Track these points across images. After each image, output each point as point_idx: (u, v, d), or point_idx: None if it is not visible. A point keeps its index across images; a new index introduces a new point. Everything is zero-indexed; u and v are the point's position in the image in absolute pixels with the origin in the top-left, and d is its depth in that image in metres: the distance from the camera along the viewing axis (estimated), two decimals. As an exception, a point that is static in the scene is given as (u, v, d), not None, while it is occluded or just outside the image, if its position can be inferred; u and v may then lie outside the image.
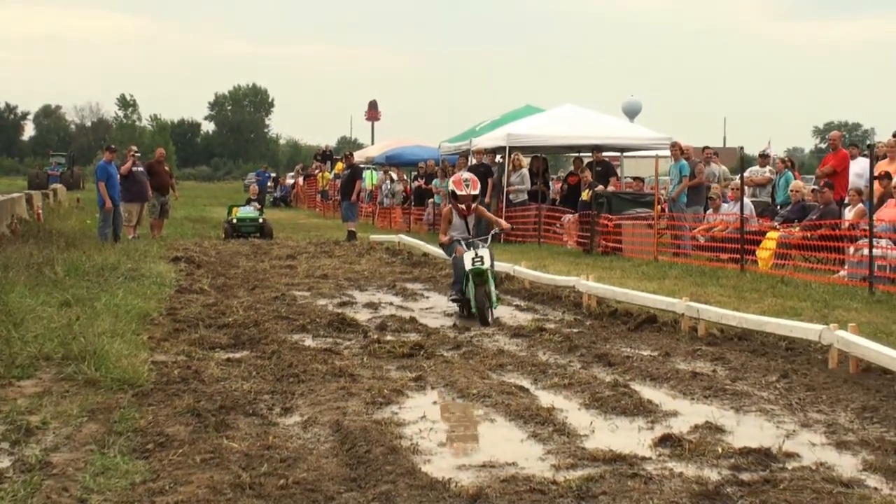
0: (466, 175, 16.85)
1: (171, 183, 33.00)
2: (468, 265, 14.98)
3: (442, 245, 17.01)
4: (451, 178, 17.06)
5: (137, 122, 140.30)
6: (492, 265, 15.46)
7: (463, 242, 15.66)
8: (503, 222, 17.55)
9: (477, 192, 16.55)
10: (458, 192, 16.06)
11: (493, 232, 16.43)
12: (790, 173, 26.83)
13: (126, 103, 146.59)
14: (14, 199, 35.75)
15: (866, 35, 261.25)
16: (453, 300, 15.89)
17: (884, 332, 12.81)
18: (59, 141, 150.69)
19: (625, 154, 36.71)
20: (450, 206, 16.56)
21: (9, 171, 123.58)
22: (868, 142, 24.69)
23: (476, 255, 15.08)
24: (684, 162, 26.27)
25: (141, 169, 30.13)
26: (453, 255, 15.77)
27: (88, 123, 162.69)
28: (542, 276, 18.68)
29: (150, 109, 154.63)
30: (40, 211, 38.64)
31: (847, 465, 7.84)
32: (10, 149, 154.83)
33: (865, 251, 17.78)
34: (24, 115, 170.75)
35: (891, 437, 8.52)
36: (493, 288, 15.09)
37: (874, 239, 17.62)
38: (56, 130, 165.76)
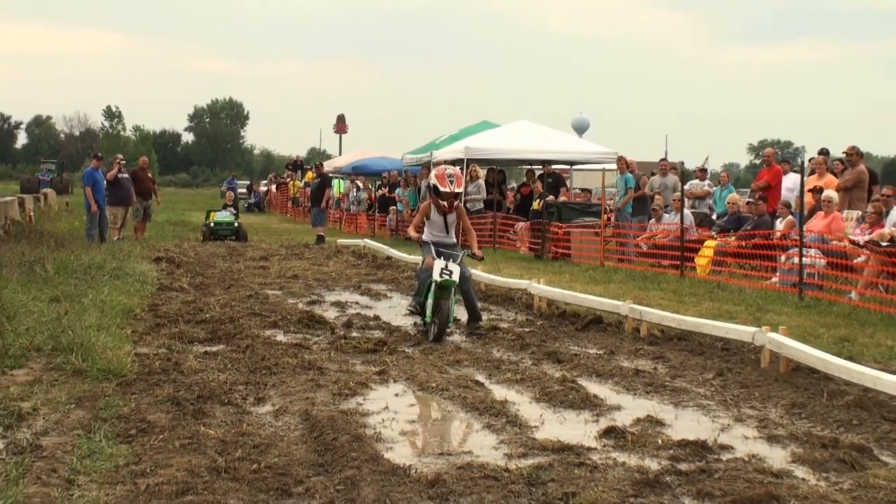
0: (451, 170, 14.68)
1: (154, 189, 32.94)
2: (436, 275, 13.20)
3: (409, 237, 14.95)
4: (434, 172, 14.56)
5: (122, 132, 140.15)
6: (466, 284, 14.08)
7: (433, 250, 13.80)
8: (477, 249, 14.62)
9: (461, 189, 14.82)
10: (442, 189, 13.99)
11: (464, 254, 14.26)
12: (732, 187, 27.02)
13: (112, 114, 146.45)
14: (7, 202, 35.58)
15: (797, 59, 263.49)
16: (409, 311, 14.52)
17: (812, 334, 12.89)
18: (50, 149, 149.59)
19: (574, 167, 36.77)
20: (429, 201, 14.58)
21: (2, 177, 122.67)
22: (799, 158, 24.82)
23: (446, 266, 13.31)
24: (629, 175, 26.40)
25: (126, 175, 30.07)
26: (421, 265, 14.21)
27: (77, 133, 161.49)
28: (496, 278, 18.68)
29: (133, 120, 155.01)
30: (32, 213, 38.41)
31: (777, 457, 7.89)
32: (3, 156, 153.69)
33: (795, 259, 17.89)
34: (17, 125, 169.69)
35: (817, 432, 8.58)
36: (453, 305, 13.48)
37: (804, 248, 17.74)
38: (46, 139, 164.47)
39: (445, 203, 14.11)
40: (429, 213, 14.34)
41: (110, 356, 10.63)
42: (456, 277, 13.30)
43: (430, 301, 13.26)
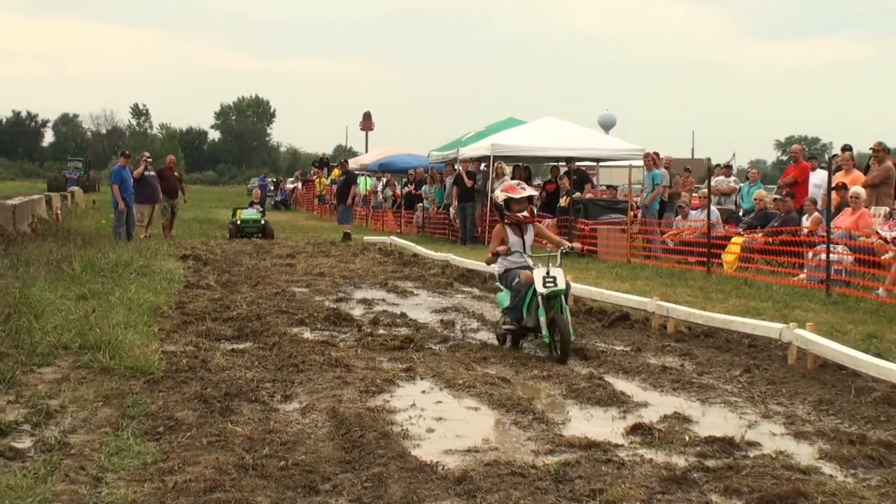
0: (515, 181, 13.83)
1: (182, 187, 33.10)
2: (539, 287, 11.85)
3: (489, 260, 13.31)
4: (500, 188, 13.41)
5: (149, 130, 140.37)
6: (567, 289, 12.36)
7: (528, 260, 12.70)
8: (565, 242, 13.83)
9: (534, 192, 13.63)
10: (516, 196, 12.76)
11: (562, 250, 13.25)
12: (760, 183, 26.93)
13: (139, 112, 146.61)
14: (35, 200, 35.82)
15: (824, 55, 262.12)
16: (506, 330, 12.67)
17: (839, 331, 12.84)
18: (76, 147, 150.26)
19: (600, 164, 36.71)
20: (500, 225, 13.00)
21: (30, 175, 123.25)
22: (827, 155, 24.75)
23: (548, 274, 11.98)
24: (657, 171, 26.33)
25: (152, 173, 30.24)
26: (515, 279, 12.36)
27: (103, 131, 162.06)
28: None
29: (160, 118, 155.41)
30: (59, 211, 38.55)
31: (804, 453, 7.88)
32: (30, 154, 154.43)
33: (823, 256, 17.83)
34: (44, 123, 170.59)
35: (845, 428, 8.55)
36: (569, 317, 12.07)
37: (831, 245, 17.68)
38: (73, 137, 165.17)
39: (525, 213, 12.85)
40: (505, 236, 12.85)
41: (137, 354, 10.68)
42: (562, 283, 11.98)
43: (542, 318, 11.83)
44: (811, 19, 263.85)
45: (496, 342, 12.97)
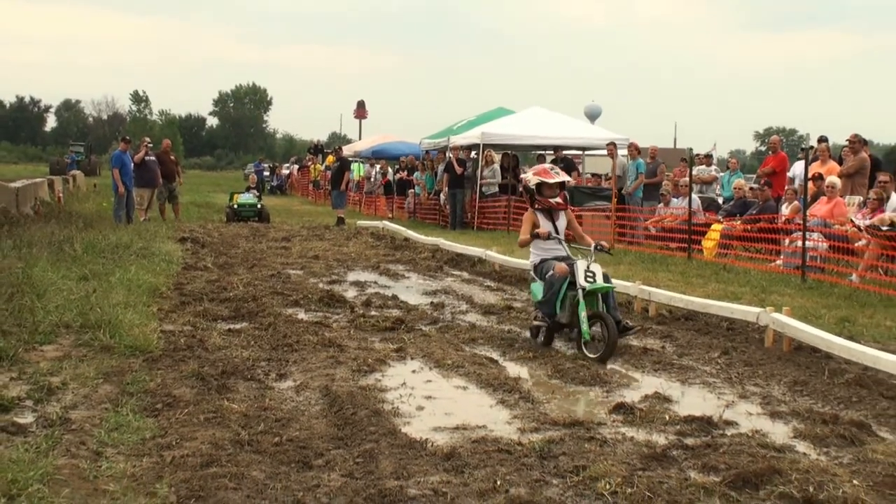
0: (548, 165, 12.73)
1: (178, 170, 33.05)
2: (581, 280, 10.80)
3: (523, 242, 12.05)
4: (531, 171, 12.23)
5: (149, 116, 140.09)
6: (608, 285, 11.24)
7: (567, 250, 11.67)
8: (602, 242, 12.42)
9: (568, 178, 12.48)
10: (549, 181, 11.72)
11: (595, 246, 11.64)
12: (740, 172, 26.98)
13: (139, 99, 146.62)
14: (37, 183, 35.77)
15: (802, 51, 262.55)
16: (538, 324, 11.63)
17: (814, 315, 12.88)
18: (78, 132, 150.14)
19: (585, 153, 36.74)
20: (531, 210, 11.95)
21: (32, 159, 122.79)
22: (803, 146, 24.79)
23: (588, 268, 10.93)
24: (640, 161, 26.36)
25: (152, 158, 30.12)
26: (550, 271, 11.25)
27: (105, 116, 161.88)
28: (510, 260, 18.68)
29: (160, 105, 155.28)
30: (61, 194, 38.54)
31: (780, 432, 7.92)
32: (34, 138, 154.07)
33: (799, 243, 17.88)
34: (47, 108, 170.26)
35: (818, 409, 8.59)
36: (613, 311, 11.08)
37: (807, 232, 17.72)
38: (75, 122, 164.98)
39: (557, 199, 11.81)
40: (536, 221, 11.80)
41: (137, 333, 10.67)
42: (601, 279, 10.97)
43: (581, 314, 10.74)
44: (790, 15, 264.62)
45: (484, 323, 12.98)
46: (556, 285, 11.05)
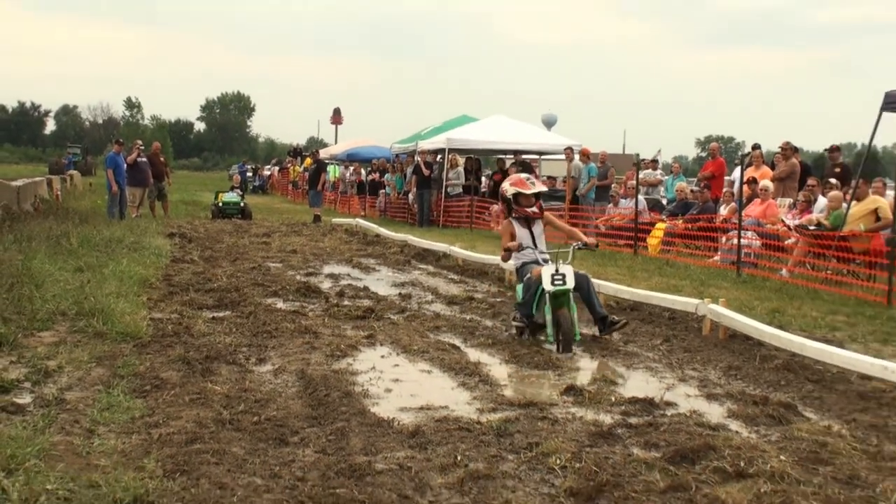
0: (524, 175, 12.24)
1: (166, 171, 32.94)
2: (547, 285, 10.41)
3: (504, 257, 11.80)
4: (509, 182, 11.74)
5: (141, 121, 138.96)
6: (583, 286, 10.98)
7: (542, 260, 11.16)
8: (583, 236, 11.76)
9: (544, 188, 12.16)
10: (525, 192, 11.32)
11: (575, 246, 11.26)
12: (683, 176, 27.10)
13: (132, 105, 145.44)
14: (37, 182, 35.58)
15: (739, 65, 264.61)
16: (516, 326, 11.20)
17: (747, 306, 12.95)
18: (76, 135, 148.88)
19: (542, 157, 36.77)
20: (509, 219, 11.58)
21: (33, 159, 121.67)
22: (740, 153, 24.94)
23: (557, 271, 10.51)
24: (593, 164, 26.41)
25: (144, 159, 29.94)
26: (528, 275, 10.96)
27: (100, 121, 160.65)
28: (472, 255, 18.70)
29: (152, 110, 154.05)
30: (59, 193, 38.27)
31: (715, 412, 7.95)
32: (34, 141, 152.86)
33: (734, 241, 17.98)
34: (47, 113, 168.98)
35: (750, 391, 8.64)
36: (574, 315, 10.53)
37: (742, 231, 17.82)
38: (73, 126, 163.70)
39: (534, 209, 11.41)
40: (512, 230, 11.44)
41: (128, 320, 10.62)
42: (570, 282, 10.52)
43: (548, 315, 10.52)
44: (728, 34, 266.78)
45: (447, 312, 12.98)
46: (533, 288, 10.73)
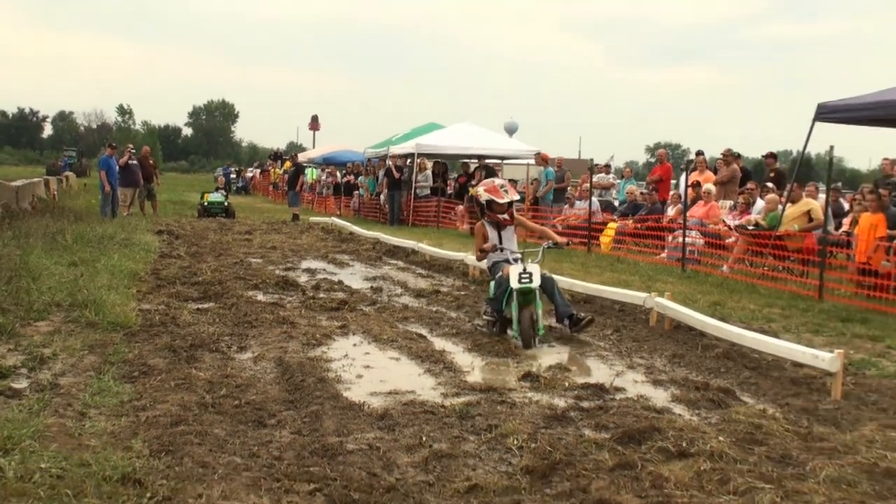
0: (499, 181, 11.91)
1: (155, 173, 32.85)
2: (514, 282, 10.22)
3: (478, 258, 11.69)
4: (482, 187, 11.46)
5: (132, 126, 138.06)
6: (548, 285, 10.79)
7: (512, 259, 10.82)
8: (555, 235, 11.73)
9: (517, 196, 11.68)
10: (499, 200, 11.06)
11: (545, 246, 11.25)
12: (634, 179, 27.20)
13: (124, 111, 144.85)
14: (35, 183, 35.32)
15: (685, 79, 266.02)
16: (486, 320, 11.00)
17: (691, 299, 13.03)
18: (71, 139, 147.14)
19: (505, 161, 36.80)
20: (482, 221, 11.38)
21: (31, 162, 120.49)
22: (686, 158, 25.08)
23: (524, 270, 10.29)
24: (549, 169, 26.46)
25: (135, 162, 29.86)
26: (498, 273, 10.76)
27: (94, 126, 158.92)
28: (439, 251, 18.70)
29: (142, 116, 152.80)
30: (55, 192, 37.98)
31: (660, 397, 7.99)
32: (32, 144, 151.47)
33: (680, 239, 18.06)
34: (44, 118, 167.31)
35: (692, 378, 8.68)
36: (539, 311, 10.35)
37: (686, 231, 17.90)
38: (69, 131, 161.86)
39: (506, 215, 11.20)
40: (485, 232, 11.27)
41: (118, 311, 10.56)
42: (537, 281, 10.34)
43: (514, 312, 10.31)
44: (675, 50, 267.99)
45: (415, 304, 12.97)
46: (503, 286, 10.56)
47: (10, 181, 31.03)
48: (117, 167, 28.57)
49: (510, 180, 36.22)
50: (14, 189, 28.10)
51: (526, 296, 10.31)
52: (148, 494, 5.12)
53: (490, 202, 11.16)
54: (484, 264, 11.87)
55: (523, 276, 10.29)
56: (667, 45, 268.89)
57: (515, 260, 10.76)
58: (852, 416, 7.39)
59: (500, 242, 11.19)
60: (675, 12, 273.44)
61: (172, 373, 8.14)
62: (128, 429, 6.42)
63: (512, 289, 10.35)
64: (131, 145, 32.10)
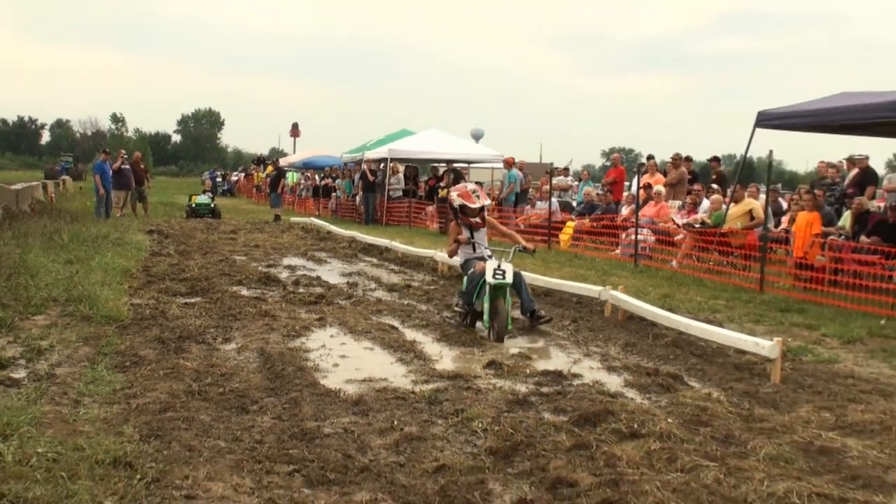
0: (471, 185, 11.69)
1: (147, 177, 32.73)
2: (489, 277, 10.05)
3: (451, 252, 11.40)
4: (455, 192, 11.27)
5: (125, 133, 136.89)
6: (517, 281, 10.60)
7: (486, 256, 10.76)
8: (520, 239, 11.54)
9: (488, 202, 11.48)
10: (471, 205, 10.92)
11: (515, 249, 11.10)
12: (591, 181, 27.25)
13: (117, 119, 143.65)
14: (34, 186, 35.15)
15: (638, 89, 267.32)
16: (457, 311, 11.07)
17: (642, 292, 13.07)
18: (68, 145, 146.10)
19: (471, 165, 36.80)
20: (455, 222, 11.21)
21: (30, 167, 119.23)
22: (638, 162, 25.19)
23: (499, 267, 10.16)
24: (513, 171, 26.48)
25: (127, 166, 29.67)
26: (471, 269, 10.65)
27: (89, 133, 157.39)
28: (410, 249, 18.68)
29: (134, 124, 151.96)
30: (53, 195, 37.70)
31: (614, 382, 8.01)
32: (31, 150, 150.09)
33: (633, 237, 18.13)
34: (42, 126, 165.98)
35: (644, 364, 8.72)
36: (510, 307, 10.21)
37: (638, 229, 17.97)
38: (65, 137, 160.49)
39: (478, 219, 11.07)
40: (459, 231, 11.10)
41: (111, 305, 10.49)
42: (510, 277, 10.18)
43: (486, 305, 10.21)
44: (628, 64, 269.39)
45: (388, 298, 12.95)
46: (476, 280, 10.44)
47: (10, 185, 30.85)
48: (111, 171, 28.51)
49: (476, 182, 36.46)
50: (14, 192, 27.87)
51: (497, 290, 10.15)
52: (138, 476, 5.09)
53: (463, 206, 11.02)
54: (455, 261, 11.79)
55: (497, 272, 10.15)
56: (621, 58, 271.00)
57: (490, 256, 10.71)
58: (790, 399, 7.44)
59: (475, 244, 11.06)
60: (629, 28, 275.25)
61: (161, 363, 8.09)
62: (119, 415, 6.37)
63: (485, 283, 10.24)
64: (124, 151, 31.95)
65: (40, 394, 6.79)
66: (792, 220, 16.49)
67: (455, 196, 11.18)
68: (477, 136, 56.82)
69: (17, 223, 20.11)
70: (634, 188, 20.85)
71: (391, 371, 8.30)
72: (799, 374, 8.46)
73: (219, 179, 66.88)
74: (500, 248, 11.24)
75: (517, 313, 11.05)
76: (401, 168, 32.53)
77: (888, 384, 8.18)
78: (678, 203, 20.47)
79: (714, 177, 21.79)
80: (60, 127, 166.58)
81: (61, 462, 5.21)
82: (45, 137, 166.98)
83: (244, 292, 13.07)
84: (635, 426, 6.31)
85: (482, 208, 11.10)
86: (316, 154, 51.20)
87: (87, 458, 5.30)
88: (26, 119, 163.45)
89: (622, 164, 27.20)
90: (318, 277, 15.03)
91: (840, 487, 5.29)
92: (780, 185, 30.57)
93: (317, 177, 43.86)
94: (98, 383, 7.24)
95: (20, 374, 7.51)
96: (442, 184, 28.94)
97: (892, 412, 6.97)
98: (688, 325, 9.77)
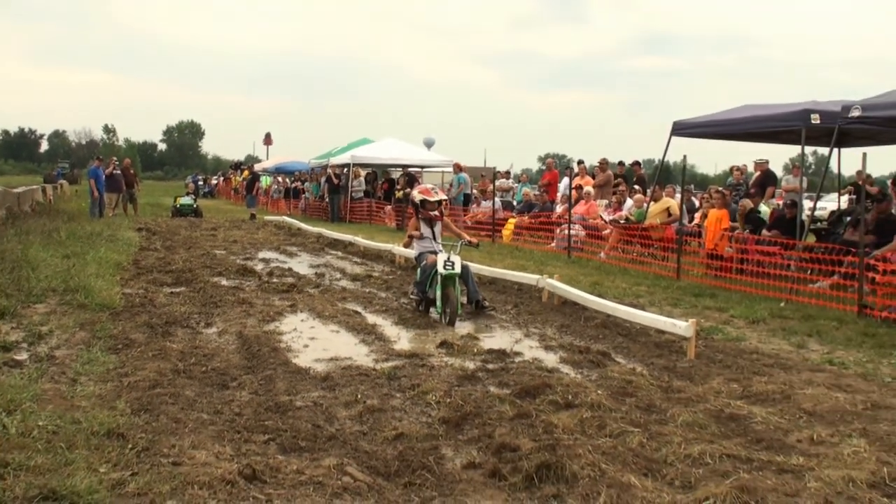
0: (430, 185, 12.16)
1: (136, 181, 32.40)
2: (440, 269, 10.21)
3: (406, 244, 11.62)
4: (417, 190, 11.64)
5: (116, 142, 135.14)
6: (465, 273, 10.66)
7: (438, 249, 10.85)
8: (467, 236, 11.63)
9: (445, 196, 11.86)
10: (430, 199, 11.11)
11: (462, 243, 11.08)
12: (529, 183, 27.35)
13: (109, 130, 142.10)
14: (34, 189, 34.59)
15: (569, 101, 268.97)
16: (412, 299, 11.07)
17: (575, 280, 13.13)
18: (64, 153, 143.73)
19: (424, 170, 36.79)
20: (415, 217, 11.35)
21: (30, 172, 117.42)
22: (570, 166, 25.36)
23: (448, 258, 10.29)
24: (462, 175, 26.49)
25: (119, 172, 29.42)
26: (424, 261, 10.76)
27: (83, 142, 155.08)
28: (371, 243, 18.62)
29: (124, 134, 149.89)
30: (51, 197, 37.02)
31: (550, 359, 8.04)
32: (31, 157, 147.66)
33: (566, 232, 18.22)
34: (41, 136, 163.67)
35: (577, 343, 8.75)
36: (459, 294, 10.25)
37: (571, 224, 18.06)
38: (62, 146, 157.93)
39: (436, 212, 11.17)
40: (418, 225, 11.21)
41: (104, 295, 10.35)
42: (458, 268, 10.28)
43: (438, 293, 10.28)
44: (559, 78, 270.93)
45: (352, 287, 12.89)
46: (428, 271, 10.50)
47: (13, 188, 30.45)
48: (104, 176, 28.23)
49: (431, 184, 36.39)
50: (16, 195, 27.48)
51: (447, 280, 10.18)
52: (130, 446, 5.03)
53: (423, 201, 11.13)
54: (411, 253, 11.82)
55: (447, 263, 10.21)
56: (553, 74, 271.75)
57: (440, 250, 10.72)
58: (703, 373, 7.52)
59: (433, 236, 11.11)
60: (558, 47, 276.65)
61: (150, 345, 7.99)
62: (113, 392, 6.29)
63: (437, 274, 10.30)
64: (115, 158, 31.72)
65: (41, 373, 6.68)
66: (704, 217, 16.68)
67: (416, 193, 11.40)
68: (429, 144, 56.58)
69: (19, 222, 19.84)
70: (564, 188, 20.95)
71: (355, 351, 8.26)
72: (711, 350, 8.55)
73: (200, 183, 66.30)
74: (449, 243, 11.19)
75: (465, 300, 11.04)
76: (362, 172, 32.46)
77: (787, 359, 8.30)
78: (605, 202, 20.61)
79: (635, 179, 21.97)
80: (57, 137, 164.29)
81: (60, 434, 5.14)
82: (44, 146, 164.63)
83: (224, 282, 12.94)
84: (569, 397, 6.34)
85: (440, 202, 11.26)
86: (287, 160, 50.94)
87: (83, 430, 5.23)
88: (27, 130, 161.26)
89: (556, 168, 27.31)
90: (290, 269, 14.90)
91: (747, 449, 5.36)
92: (692, 186, 30.93)
93: (287, 180, 43.65)
94: (93, 364, 7.14)
95: (23, 356, 7.38)
96: (397, 186, 28.93)
97: (791, 383, 7.07)
98: (615, 309, 9.83)
